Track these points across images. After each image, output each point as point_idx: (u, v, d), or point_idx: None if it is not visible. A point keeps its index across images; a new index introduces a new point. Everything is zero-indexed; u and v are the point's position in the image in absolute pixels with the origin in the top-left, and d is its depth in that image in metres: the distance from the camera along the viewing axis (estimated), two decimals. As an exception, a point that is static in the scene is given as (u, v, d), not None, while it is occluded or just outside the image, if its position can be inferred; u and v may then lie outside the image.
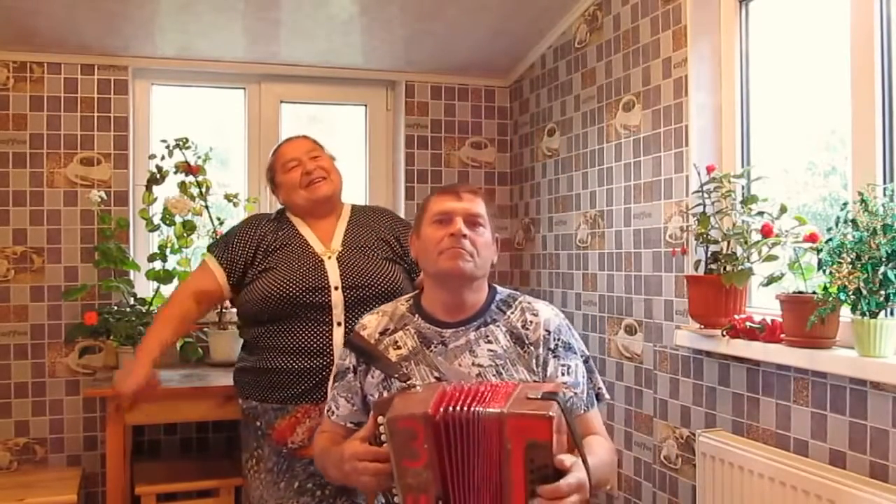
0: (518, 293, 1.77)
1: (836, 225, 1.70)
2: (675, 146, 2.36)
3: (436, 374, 1.62)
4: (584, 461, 1.38)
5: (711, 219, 2.07)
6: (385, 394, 1.62)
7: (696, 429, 2.22)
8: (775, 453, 1.91)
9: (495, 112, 3.51)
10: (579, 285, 2.92)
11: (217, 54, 3.15)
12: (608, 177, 2.73)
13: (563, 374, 1.64)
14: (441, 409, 1.38)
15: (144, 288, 2.97)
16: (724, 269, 2.03)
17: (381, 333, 1.71)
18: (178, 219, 2.91)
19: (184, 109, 3.33)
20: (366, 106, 3.50)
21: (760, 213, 1.98)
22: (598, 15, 2.78)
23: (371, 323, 1.74)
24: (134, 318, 2.78)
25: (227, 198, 3.04)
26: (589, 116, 2.86)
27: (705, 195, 2.09)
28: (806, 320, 1.72)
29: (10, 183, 2.95)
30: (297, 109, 3.44)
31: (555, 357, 1.66)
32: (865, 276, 1.61)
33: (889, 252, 1.60)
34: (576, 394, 1.64)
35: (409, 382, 1.55)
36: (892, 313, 1.70)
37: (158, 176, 2.93)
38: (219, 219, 2.97)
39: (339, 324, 2.03)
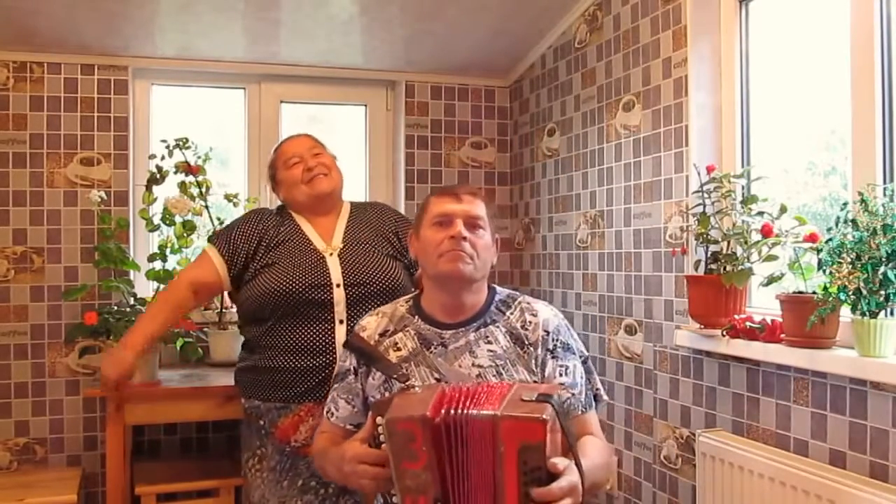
0: (517, 293, 1.77)
1: (836, 225, 1.70)
2: (675, 146, 2.36)
3: (436, 375, 1.62)
4: (578, 464, 1.38)
5: (711, 219, 2.07)
6: (386, 395, 1.62)
7: (696, 429, 2.22)
8: (775, 453, 1.91)
9: (495, 112, 3.51)
10: (579, 285, 2.92)
11: (217, 54, 3.15)
12: (608, 177, 2.73)
13: (561, 375, 1.64)
14: (440, 412, 1.38)
15: (144, 288, 2.97)
16: (724, 269, 2.03)
17: (381, 335, 1.71)
18: (178, 219, 2.91)
19: (184, 109, 3.33)
20: (366, 106, 3.50)
21: (760, 213, 1.98)
22: (598, 15, 2.78)
23: (371, 324, 1.74)
24: (134, 319, 2.77)
25: (227, 198, 3.05)
26: (589, 116, 2.86)
27: (705, 195, 2.09)
28: (806, 320, 1.72)
29: (10, 183, 2.95)
30: (297, 109, 3.44)
31: (553, 357, 1.66)
32: (865, 276, 1.61)
33: (889, 252, 1.60)
34: (573, 395, 1.64)
35: (408, 383, 1.54)
36: (892, 313, 1.70)
37: (158, 176, 2.93)
38: (219, 219, 2.97)
39: (341, 321, 2.03)
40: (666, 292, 2.41)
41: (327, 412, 1.74)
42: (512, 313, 1.70)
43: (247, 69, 3.24)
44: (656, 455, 2.47)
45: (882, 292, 1.62)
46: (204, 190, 2.95)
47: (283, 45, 3.09)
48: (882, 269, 1.61)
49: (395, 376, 1.61)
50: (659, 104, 2.44)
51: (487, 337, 1.66)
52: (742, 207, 2.03)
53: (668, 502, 2.41)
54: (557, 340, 1.67)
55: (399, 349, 1.67)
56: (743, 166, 2.25)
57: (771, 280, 1.91)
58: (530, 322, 1.68)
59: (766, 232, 1.93)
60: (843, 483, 1.67)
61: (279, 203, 2.28)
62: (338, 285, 2.05)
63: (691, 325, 2.20)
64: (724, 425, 2.16)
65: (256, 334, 2.09)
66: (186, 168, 2.93)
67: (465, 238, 1.63)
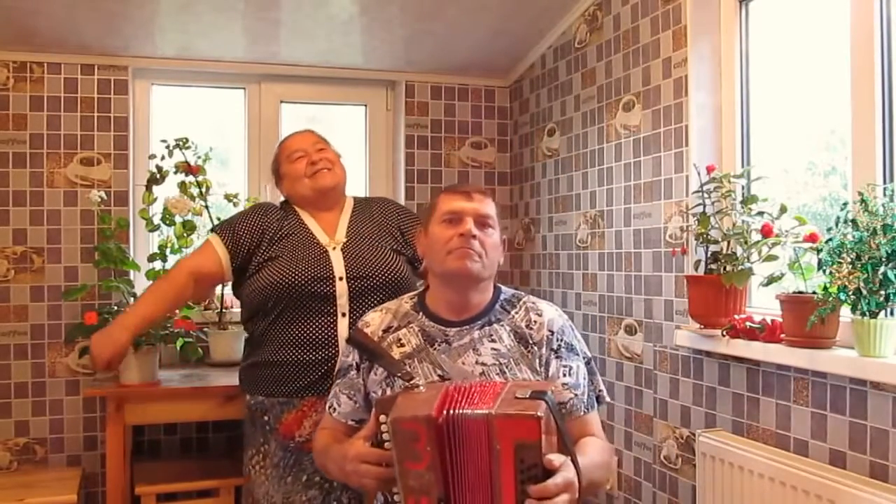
0: (522, 293, 1.77)
1: (836, 225, 1.69)
2: (675, 146, 2.36)
3: (439, 372, 1.62)
4: (574, 460, 1.38)
5: (711, 219, 2.07)
6: (388, 391, 1.62)
7: (696, 429, 2.22)
8: (775, 453, 1.91)
9: (495, 112, 3.51)
10: (579, 285, 2.92)
11: (217, 54, 3.15)
12: (608, 177, 2.73)
13: (564, 375, 1.65)
14: (443, 411, 1.38)
15: (144, 287, 2.96)
16: (724, 269, 2.03)
17: (385, 331, 1.71)
18: (178, 219, 2.91)
19: (184, 109, 3.33)
20: (366, 106, 3.50)
21: (760, 213, 1.98)
22: (598, 15, 2.78)
23: (374, 320, 1.74)
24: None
25: (227, 198, 3.05)
26: (589, 116, 2.86)
27: (705, 195, 2.09)
28: (806, 320, 1.72)
29: (10, 183, 2.94)
30: (297, 109, 3.44)
31: (557, 357, 1.66)
32: (865, 276, 1.61)
33: (889, 252, 1.60)
34: (576, 395, 1.64)
35: (412, 382, 1.54)
36: (892, 313, 1.70)
37: (158, 176, 2.93)
38: (219, 219, 2.96)
39: (343, 315, 2.04)
40: (666, 292, 2.41)
41: (329, 408, 1.74)
42: (517, 313, 1.70)
43: (247, 69, 3.24)
44: (656, 455, 2.47)
45: (882, 292, 1.62)
46: (204, 190, 2.95)
47: (283, 45, 3.09)
48: (882, 269, 1.61)
49: (398, 375, 1.61)
50: (659, 104, 2.44)
51: (492, 335, 1.66)
52: (742, 207, 2.03)
53: (668, 502, 2.41)
54: (562, 341, 1.67)
55: (403, 345, 1.67)
56: (743, 166, 2.25)
57: (771, 280, 1.91)
58: (535, 322, 1.68)
59: (766, 232, 1.93)
60: (843, 483, 1.67)
61: (282, 199, 2.28)
62: (340, 278, 2.05)
63: (691, 325, 2.20)
64: (724, 425, 2.16)
65: (260, 329, 2.10)
66: (186, 168, 2.93)
67: (474, 236, 1.63)
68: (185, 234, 2.92)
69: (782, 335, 1.87)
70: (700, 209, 2.09)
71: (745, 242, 1.99)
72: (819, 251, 1.73)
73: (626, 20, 2.62)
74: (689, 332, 2.18)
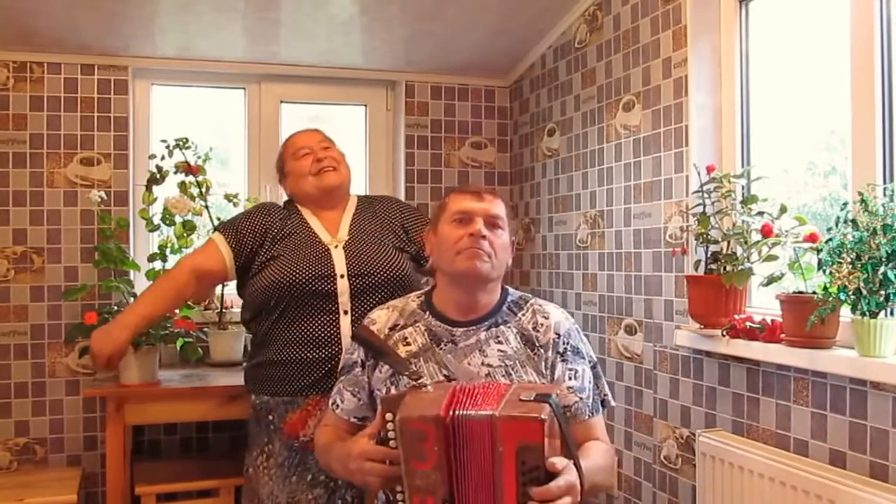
0: (529, 295, 1.77)
1: (836, 225, 1.69)
2: (675, 146, 2.36)
3: (444, 372, 1.62)
4: (577, 463, 1.38)
5: (711, 219, 2.07)
6: (393, 390, 1.62)
7: (696, 429, 2.22)
8: (775, 453, 1.91)
9: (495, 112, 3.51)
10: (579, 285, 2.92)
11: (217, 54, 3.15)
12: (608, 177, 2.73)
13: (570, 379, 1.64)
14: (450, 412, 1.38)
15: (144, 288, 2.96)
16: (724, 269, 2.03)
17: (391, 329, 1.71)
18: (178, 219, 2.91)
19: (184, 109, 3.33)
20: (366, 106, 3.50)
21: (760, 213, 1.98)
22: (598, 15, 2.78)
23: (381, 318, 1.74)
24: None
25: (227, 198, 3.05)
26: (589, 116, 2.86)
27: (705, 195, 2.09)
28: (806, 320, 1.72)
29: (10, 183, 2.94)
30: (297, 109, 3.44)
31: (563, 361, 1.66)
32: (865, 276, 1.61)
33: (889, 252, 1.60)
34: (581, 399, 1.64)
35: (419, 381, 1.53)
36: (892, 313, 1.70)
37: (158, 176, 2.93)
38: (219, 219, 2.97)
39: (345, 312, 2.04)
40: (666, 292, 2.41)
41: (332, 404, 1.74)
42: (524, 315, 1.70)
43: (247, 69, 3.24)
44: (656, 455, 2.47)
45: (882, 292, 1.61)
46: (204, 190, 2.95)
47: (283, 45, 3.09)
48: (882, 269, 1.61)
49: (406, 374, 1.60)
50: (659, 104, 2.44)
51: (498, 337, 1.66)
52: (742, 207, 2.03)
53: (668, 502, 2.41)
54: (568, 344, 1.67)
55: (408, 344, 1.67)
56: (743, 166, 2.25)
57: (771, 280, 1.91)
58: (542, 324, 1.68)
59: (766, 232, 1.93)
60: (843, 483, 1.67)
61: (285, 199, 2.28)
62: (341, 276, 2.05)
63: (691, 325, 2.20)
64: (724, 425, 2.16)
65: (263, 329, 2.10)
66: (186, 168, 2.93)
67: (484, 237, 1.63)
68: (185, 235, 2.92)
69: (782, 335, 1.87)
70: (700, 209, 2.09)
71: (745, 242, 1.99)
72: (819, 251, 1.73)
73: (626, 20, 2.62)
74: (689, 332, 2.18)
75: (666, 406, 2.41)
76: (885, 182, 1.79)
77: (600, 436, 1.66)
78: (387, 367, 1.66)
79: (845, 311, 1.72)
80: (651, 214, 2.48)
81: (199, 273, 2.11)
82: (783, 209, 1.95)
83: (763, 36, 2.26)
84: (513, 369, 1.62)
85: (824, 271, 1.71)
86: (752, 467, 1.90)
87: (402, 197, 3.36)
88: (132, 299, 2.88)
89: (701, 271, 2.12)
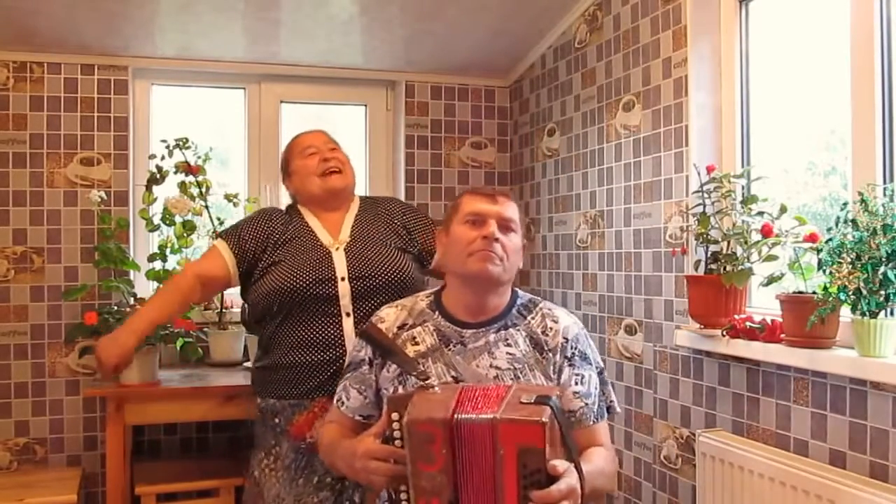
0: (539, 299, 1.77)
1: (836, 225, 1.69)
2: (675, 146, 2.36)
3: (453, 373, 1.62)
4: (578, 466, 1.37)
5: (711, 219, 2.07)
6: (400, 389, 1.62)
7: (696, 429, 2.22)
8: (775, 453, 1.91)
9: (495, 112, 3.51)
10: (579, 285, 2.92)
11: (217, 54, 3.15)
12: (608, 177, 2.73)
13: (576, 384, 1.64)
14: (455, 414, 1.37)
15: (144, 288, 2.97)
16: (724, 269, 2.03)
17: (399, 328, 1.71)
18: (178, 219, 2.91)
19: (184, 109, 3.33)
20: (366, 106, 3.50)
21: (760, 213, 1.98)
22: (598, 15, 2.78)
23: (389, 316, 1.74)
24: (134, 318, 2.77)
25: (227, 198, 3.05)
26: (589, 116, 2.86)
27: (705, 195, 2.09)
28: (806, 320, 1.71)
29: (10, 183, 2.95)
30: (298, 109, 3.44)
31: (570, 365, 1.65)
32: (865, 276, 1.61)
33: (889, 252, 1.60)
34: (586, 404, 1.64)
35: (427, 382, 1.53)
36: (892, 313, 1.70)
37: (158, 176, 2.93)
38: (219, 219, 2.97)
39: (347, 314, 2.04)
40: (666, 292, 2.41)
41: (337, 401, 1.73)
42: (533, 318, 1.70)
43: (247, 69, 3.24)
44: (656, 455, 2.47)
45: (882, 292, 1.61)
46: (204, 190, 2.95)
47: (283, 45, 3.09)
48: (882, 269, 1.61)
49: (414, 374, 1.60)
50: (659, 104, 2.44)
51: (507, 339, 1.66)
52: (742, 207, 2.03)
53: (668, 502, 2.41)
54: (576, 349, 1.67)
55: (417, 343, 1.67)
56: (743, 166, 2.25)
57: (771, 280, 1.91)
58: (551, 328, 1.68)
59: (766, 232, 1.93)
60: (843, 483, 1.67)
61: (287, 202, 2.28)
62: (342, 279, 2.05)
63: (691, 325, 2.20)
64: (724, 425, 2.16)
65: (268, 333, 2.11)
66: (186, 168, 2.93)
67: (496, 239, 1.63)
68: (185, 234, 2.92)
69: (782, 335, 1.87)
70: (700, 209, 2.09)
71: (745, 242, 1.99)
72: (819, 251, 1.73)
73: (626, 20, 2.62)
74: (689, 332, 2.18)
75: (666, 406, 2.41)
76: (885, 182, 1.79)
77: (604, 442, 1.65)
78: (394, 366, 1.65)
79: (845, 311, 1.72)
80: (651, 214, 2.48)
81: (203, 279, 2.13)
82: (783, 209, 1.94)
83: (763, 36, 2.26)
84: (521, 372, 1.62)
85: (824, 271, 1.71)
86: (752, 467, 1.90)
87: (402, 197, 3.37)
88: (132, 299, 2.89)
89: (701, 271, 2.12)
